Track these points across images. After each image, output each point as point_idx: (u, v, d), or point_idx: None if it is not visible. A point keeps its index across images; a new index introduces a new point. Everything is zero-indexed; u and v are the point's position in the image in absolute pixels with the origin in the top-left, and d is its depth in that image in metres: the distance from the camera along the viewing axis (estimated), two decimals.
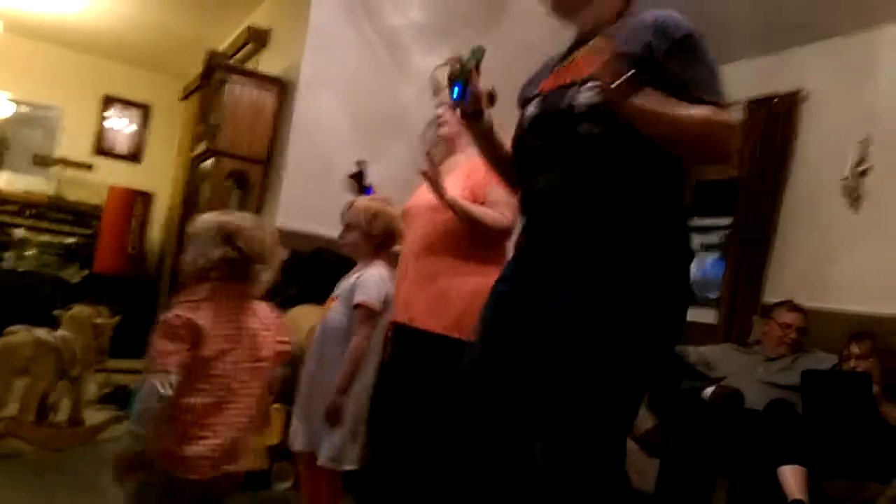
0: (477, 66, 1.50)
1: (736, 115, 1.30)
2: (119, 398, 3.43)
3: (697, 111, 1.27)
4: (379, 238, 2.09)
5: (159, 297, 5.69)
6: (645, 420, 2.76)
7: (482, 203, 2.42)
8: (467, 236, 2.37)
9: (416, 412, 2.42)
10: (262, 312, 1.49)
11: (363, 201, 2.13)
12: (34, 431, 2.56)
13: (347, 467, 1.97)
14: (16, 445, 2.56)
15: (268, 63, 4.07)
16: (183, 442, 1.31)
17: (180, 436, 1.31)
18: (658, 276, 1.34)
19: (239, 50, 4.46)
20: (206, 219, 1.46)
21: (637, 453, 2.68)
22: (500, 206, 2.41)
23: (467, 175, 2.45)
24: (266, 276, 1.44)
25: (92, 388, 3.00)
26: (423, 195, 2.58)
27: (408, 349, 2.47)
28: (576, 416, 1.32)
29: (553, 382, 1.34)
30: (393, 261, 2.16)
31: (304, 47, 3.54)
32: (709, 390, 2.62)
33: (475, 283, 2.36)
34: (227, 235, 1.41)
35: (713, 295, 3.74)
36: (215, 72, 3.65)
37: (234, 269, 1.40)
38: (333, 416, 1.95)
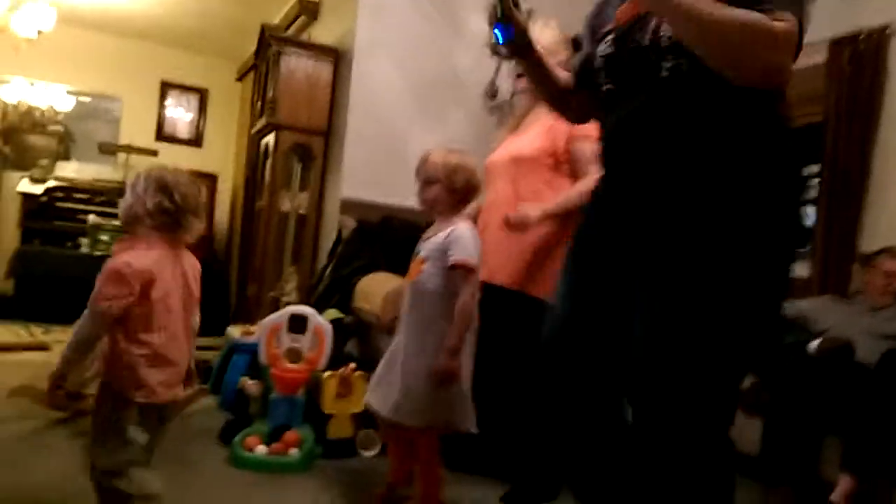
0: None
1: (790, 25, 1.13)
2: (201, 373, 3.47)
3: (738, 13, 1.09)
4: (461, 192, 1.98)
5: (230, 277, 5.79)
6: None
7: (566, 158, 2.33)
8: (550, 191, 2.29)
9: (496, 371, 2.36)
10: (189, 259, 1.62)
11: (440, 154, 2.01)
12: None
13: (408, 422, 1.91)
14: None
15: (320, 34, 4.01)
16: (148, 371, 1.47)
17: (146, 366, 1.47)
18: (766, 215, 1.19)
19: (290, 24, 4.42)
20: (145, 171, 1.58)
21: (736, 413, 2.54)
22: (583, 164, 2.31)
23: (548, 129, 2.37)
24: (198, 226, 1.56)
25: None
26: (505, 149, 2.51)
27: (488, 306, 2.41)
28: (678, 373, 1.18)
29: (650, 341, 1.21)
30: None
31: (357, 14, 3.46)
32: (815, 343, 2.44)
33: (556, 238, 2.29)
34: (163, 187, 1.52)
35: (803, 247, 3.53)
36: (270, 45, 3.61)
37: (169, 219, 1.52)
38: (447, 379, 1.86)
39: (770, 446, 2.40)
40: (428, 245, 1.99)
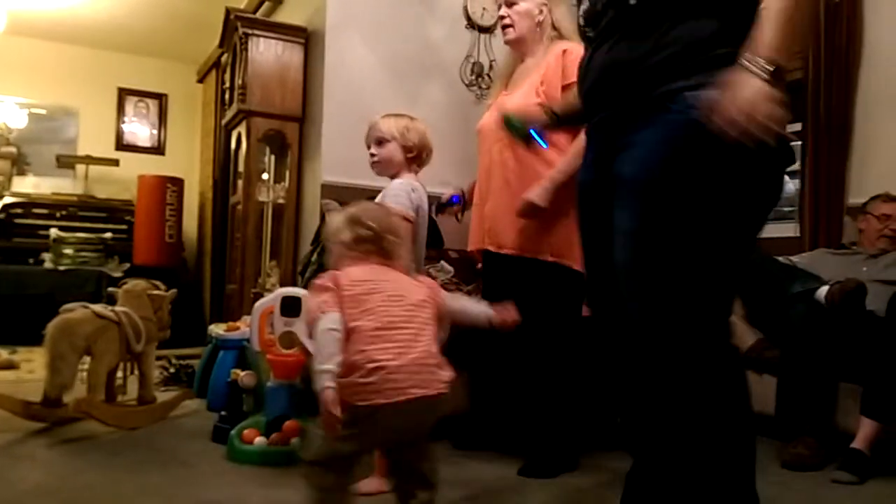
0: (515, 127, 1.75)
1: None
2: (183, 378, 3.31)
3: None
4: (415, 150, 2.04)
5: (203, 285, 5.59)
6: (747, 336, 2.57)
7: None
8: (550, 148, 2.20)
9: (517, 345, 2.26)
10: None
11: (390, 117, 2.07)
12: (108, 410, 2.41)
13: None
14: (85, 428, 2.42)
15: (288, 18, 3.87)
16: None
17: None
18: None
19: (255, 12, 4.26)
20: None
21: None
22: None
23: (540, 82, 2.30)
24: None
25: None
26: (497, 110, 2.41)
27: (502, 277, 2.33)
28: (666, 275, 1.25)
29: (639, 244, 1.28)
30: None
31: None
32: (823, 290, 2.39)
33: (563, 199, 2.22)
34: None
35: (788, 208, 3.51)
36: (236, 29, 3.46)
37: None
38: None
39: (785, 399, 2.35)
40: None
